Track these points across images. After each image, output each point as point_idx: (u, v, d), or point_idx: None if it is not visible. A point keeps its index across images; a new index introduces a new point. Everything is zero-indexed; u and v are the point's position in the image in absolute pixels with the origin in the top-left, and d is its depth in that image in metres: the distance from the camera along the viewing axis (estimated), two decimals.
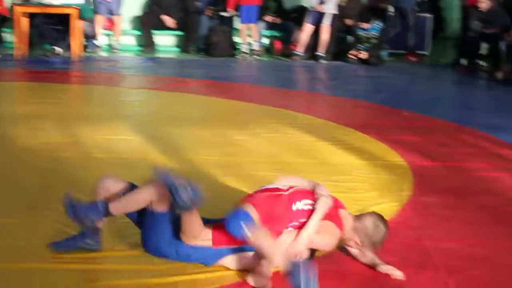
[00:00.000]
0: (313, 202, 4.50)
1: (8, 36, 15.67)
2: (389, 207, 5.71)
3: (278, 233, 4.33)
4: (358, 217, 4.59)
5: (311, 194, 4.57)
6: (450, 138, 8.53)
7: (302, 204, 4.46)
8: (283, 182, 4.69)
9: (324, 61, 15.38)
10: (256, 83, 12.91)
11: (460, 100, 12.23)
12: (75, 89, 11.79)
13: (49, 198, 5.66)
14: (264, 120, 9.06)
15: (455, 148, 7.94)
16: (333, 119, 9.26)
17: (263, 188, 4.61)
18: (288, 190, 4.56)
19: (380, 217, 4.58)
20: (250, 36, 15.99)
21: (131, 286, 4.18)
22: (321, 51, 15.49)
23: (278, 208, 4.38)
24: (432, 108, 10.68)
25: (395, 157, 7.38)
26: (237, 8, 15.88)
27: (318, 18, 15.34)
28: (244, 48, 15.91)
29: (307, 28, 15.50)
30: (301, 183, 4.76)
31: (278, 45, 16.42)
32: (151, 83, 12.22)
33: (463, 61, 15.20)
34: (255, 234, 4.08)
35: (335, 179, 6.47)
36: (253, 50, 15.93)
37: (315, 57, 15.52)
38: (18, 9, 14.15)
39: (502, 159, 7.56)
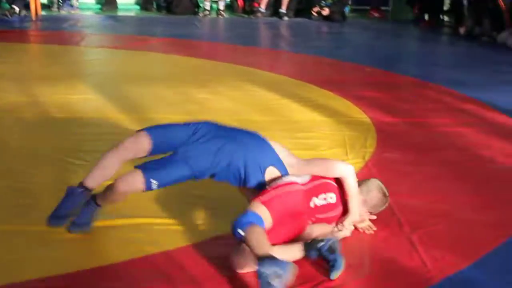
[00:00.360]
0: (331, 196, 4.33)
1: None
2: (352, 164, 5.63)
3: (297, 228, 4.20)
4: (364, 189, 4.49)
5: (329, 186, 4.38)
6: (413, 94, 8.53)
7: (319, 200, 4.29)
8: (299, 173, 4.42)
9: (286, 18, 15.29)
10: (218, 40, 12.82)
11: (423, 55, 12.22)
12: (34, 49, 11.61)
13: (7, 160, 5.58)
14: (227, 78, 8.98)
15: (418, 104, 7.93)
16: (296, 76, 9.20)
17: (279, 183, 4.24)
18: (306, 184, 4.32)
19: (382, 184, 4.55)
20: None
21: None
22: (283, 8, 15.38)
23: (294, 206, 4.19)
24: (394, 64, 10.67)
25: (358, 114, 7.35)
26: None
27: None
28: (207, 5, 15.73)
29: None
30: (316, 170, 4.51)
31: (240, 2, 16.27)
32: (112, 41, 12.04)
33: (425, 17, 15.19)
34: (252, 235, 3.85)
35: (298, 136, 6.43)
36: (219, 9, 15.73)
37: (278, 14, 15.40)
38: None
39: (465, 114, 7.56)
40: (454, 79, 9.35)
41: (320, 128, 6.80)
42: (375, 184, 4.51)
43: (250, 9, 15.85)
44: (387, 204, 4.54)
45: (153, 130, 4.37)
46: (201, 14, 15.64)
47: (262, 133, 6.18)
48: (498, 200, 5.06)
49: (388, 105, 7.74)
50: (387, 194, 4.51)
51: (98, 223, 4.34)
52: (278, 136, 6.40)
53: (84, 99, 7.62)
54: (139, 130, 4.40)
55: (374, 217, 4.50)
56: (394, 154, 6.02)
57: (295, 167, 4.32)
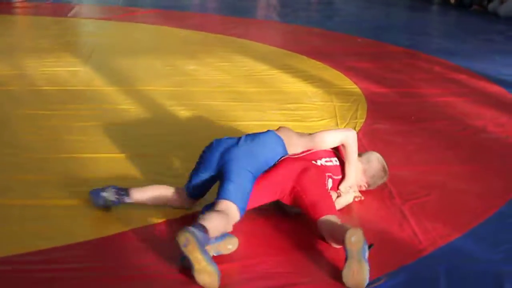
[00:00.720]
0: (332, 159, 4.32)
1: None
2: None
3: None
4: (365, 159, 4.47)
5: (329, 152, 4.36)
6: (404, 64, 8.48)
7: (322, 161, 4.29)
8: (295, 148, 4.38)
9: None
10: (207, 11, 12.72)
11: (414, 25, 12.16)
12: (22, 21, 11.49)
13: None
14: (216, 49, 8.92)
15: (409, 74, 7.89)
16: (286, 47, 9.15)
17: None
18: (305, 152, 4.29)
19: (383, 158, 4.53)
20: None
21: None
22: None
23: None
24: (385, 34, 10.61)
25: (349, 84, 7.31)
26: None
27: None
28: None
29: None
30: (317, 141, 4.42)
31: None
32: (100, 13, 11.96)
33: None
34: None
35: (289, 108, 6.39)
36: None
37: None
38: None
39: (456, 83, 7.53)
40: (445, 48, 9.32)
41: (310, 99, 6.76)
42: (375, 156, 4.52)
43: None
44: (385, 179, 4.52)
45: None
46: None
47: (251, 104, 6.16)
48: (489, 170, 5.03)
49: (379, 76, 7.69)
50: (387, 168, 4.49)
51: (85, 197, 4.30)
52: (267, 107, 6.38)
53: (73, 72, 7.55)
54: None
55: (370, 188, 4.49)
56: (385, 125, 5.98)
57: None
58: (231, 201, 3.85)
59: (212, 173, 4.12)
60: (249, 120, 6.02)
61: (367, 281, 3.43)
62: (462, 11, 12.87)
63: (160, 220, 4.06)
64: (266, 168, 4.12)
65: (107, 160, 5.01)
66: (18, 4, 12.97)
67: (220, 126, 5.85)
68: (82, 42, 9.45)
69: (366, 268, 3.43)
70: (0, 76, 7.26)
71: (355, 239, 3.46)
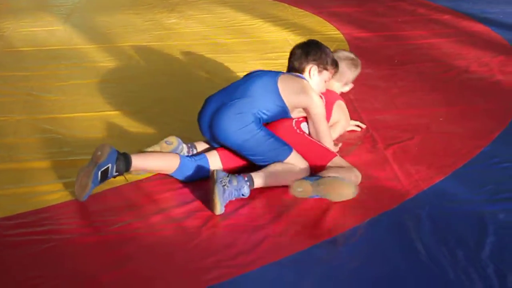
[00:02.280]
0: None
1: None
2: None
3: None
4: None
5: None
6: (387, 7, 8.37)
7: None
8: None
9: None
10: None
11: None
12: None
13: None
14: (196, 2, 8.80)
15: (392, 17, 7.79)
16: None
17: None
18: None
19: (345, 51, 4.63)
20: None
21: None
22: None
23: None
24: None
25: (331, 30, 7.21)
26: None
27: None
28: None
29: None
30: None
31: None
32: None
33: None
34: None
35: (270, 57, 6.31)
36: None
37: None
38: None
39: (440, 24, 7.43)
40: None
41: (292, 47, 6.65)
42: (339, 56, 4.50)
43: None
44: (359, 68, 4.57)
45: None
46: None
47: (233, 54, 6.06)
48: (473, 110, 4.97)
49: (361, 20, 7.60)
50: (355, 56, 4.57)
51: (63, 157, 4.24)
52: (249, 57, 6.31)
53: (51, 31, 7.44)
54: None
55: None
56: (368, 69, 5.89)
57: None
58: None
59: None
60: (230, 71, 5.94)
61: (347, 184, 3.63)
62: None
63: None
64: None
65: (86, 119, 4.93)
66: None
67: (200, 79, 5.77)
68: (59, 1, 9.29)
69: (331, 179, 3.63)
70: None
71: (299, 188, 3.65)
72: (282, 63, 6.07)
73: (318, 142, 4.05)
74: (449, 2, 8.31)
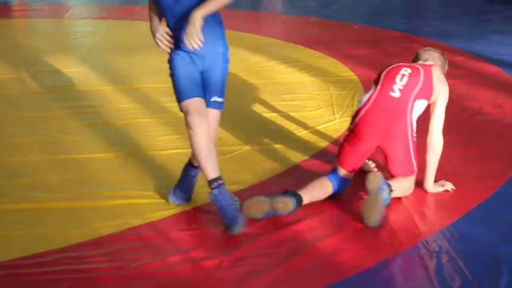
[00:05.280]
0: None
1: None
2: (340, 123, 5.65)
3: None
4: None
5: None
6: (400, 48, 8.45)
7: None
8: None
9: None
10: None
11: (410, 9, 12.13)
12: (19, 24, 11.49)
13: None
14: None
15: (405, 58, 7.74)
16: (283, 37, 9.13)
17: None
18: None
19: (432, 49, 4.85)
20: None
21: None
22: None
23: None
24: (382, 19, 10.57)
25: (346, 72, 7.29)
26: None
27: None
28: None
29: None
30: None
31: None
32: (96, 12, 11.95)
33: None
34: None
35: (285, 98, 6.38)
36: None
37: None
38: None
39: (453, 66, 7.45)
40: (442, 31, 9.29)
41: (307, 88, 6.74)
42: (433, 54, 4.81)
43: None
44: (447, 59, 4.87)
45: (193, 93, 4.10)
46: None
47: (250, 96, 6.12)
48: (487, 151, 5.02)
49: (376, 62, 7.66)
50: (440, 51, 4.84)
51: (82, 198, 4.31)
52: (265, 98, 6.38)
53: (70, 72, 7.55)
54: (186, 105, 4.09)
55: None
56: None
57: None
58: None
59: None
60: (245, 112, 6.01)
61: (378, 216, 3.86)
62: None
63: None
64: None
65: (104, 159, 5.01)
66: (15, 7, 12.97)
67: None
68: (79, 42, 9.43)
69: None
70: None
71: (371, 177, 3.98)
72: (298, 105, 6.17)
73: (413, 153, 4.29)
74: (461, 44, 8.39)
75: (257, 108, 6.15)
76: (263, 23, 10.86)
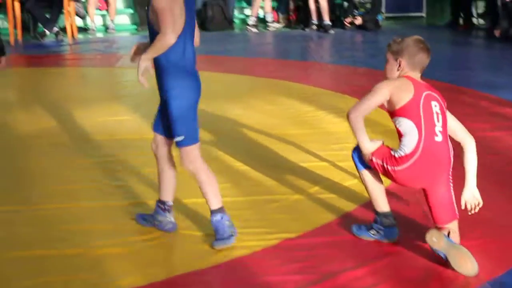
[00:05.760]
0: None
1: (1, 23, 15.59)
2: None
3: None
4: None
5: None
6: (448, 99, 8.35)
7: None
8: None
9: (332, 31, 14.80)
10: (253, 55, 12.83)
11: (458, 60, 12.14)
12: (71, 72, 11.71)
13: (49, 183, 5.68)
14: (261, 92, 9.02)
15: (453, 109, 7.70)
16: (331, 88, 9.21)
17: None
18: None
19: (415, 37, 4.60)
20: (262, 8, 15.70)
21: None
22: (326, 20, 14.91)
23: None
24: (429, 70, 10.53)
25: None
26: None
27: None
28: (252, 20, 15.53)
29: None
30: None
31: (274, 15, 16.24)
32: None
33: (460, 21, 15.09)
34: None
35: (335, 148, 6.45)
36: (267, 22, 15.59)
37: (322, 27, 15.05)
38: None
39: (502, 118, 7.51)
40: (490, 82, 9.29)
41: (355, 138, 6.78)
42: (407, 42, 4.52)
43: (285, 22, 15.78)
44: (428, 54, 4.56)
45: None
46: (251, 28, 15.40)
47: (298, 145, 6.21)
48: None
49: None
50: (421, 39, 4.56)
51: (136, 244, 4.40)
52: (313, 148, 6.45)
53: (121, 121, 7.70)
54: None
55: None
56: None
57: None
58: None
59: None
60: (294, 161, 6.09)
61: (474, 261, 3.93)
62: (506, 44, 12.80)
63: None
64: None
65: None
66: (67, 56, 13.23)
67: (265, 170, 5.93)
68: (130, 91, 9.59)
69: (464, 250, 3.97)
70: (50, 128, 7.44)
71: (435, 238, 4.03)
72: (346, 154, 6.18)
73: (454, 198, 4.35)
74: (509, 95, 8.39)
75: (306, 157, 6.23)
76: (311, 72, 10.93)
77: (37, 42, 14.11)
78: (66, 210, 5.11)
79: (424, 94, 4.41)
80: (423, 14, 16.68)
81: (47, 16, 14.49)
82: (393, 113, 4.48)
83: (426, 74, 9.41)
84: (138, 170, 5.95)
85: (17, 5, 14.17)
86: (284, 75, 10.12)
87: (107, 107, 8.28)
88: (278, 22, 15.92)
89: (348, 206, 5.13)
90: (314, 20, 15.14)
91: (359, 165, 4.58)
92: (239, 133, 7.10)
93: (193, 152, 4.51)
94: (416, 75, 4.51)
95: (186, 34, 4.38)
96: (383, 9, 16.14)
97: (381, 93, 4.44)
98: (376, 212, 4.51)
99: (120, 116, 7.88)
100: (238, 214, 5.00)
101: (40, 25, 14.64)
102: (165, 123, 4.60)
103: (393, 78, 4.50)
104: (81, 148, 6.69)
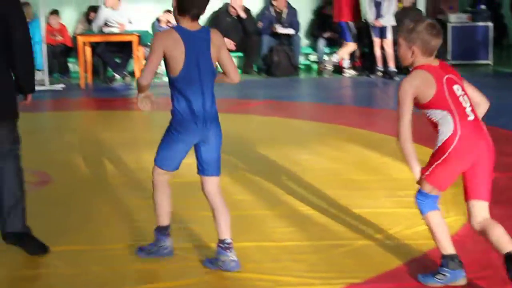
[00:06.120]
0: None
1: (73, 66, 15.99)
2: (454, 221, 5.68)
3: None
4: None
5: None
6: None
7: None
8: None
9: (397, 78, 14.58)
10: (318, 101, 12.92)
11: None
12: (138, 115, 11.92)
13: (116, 224, 5.79)
14: (327, 138, 9.08)
15: None
16: (395, 134, 9.19)
17: None
18: None
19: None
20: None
21: None
22: (391, 66, 14.99)
23: None
24: (496, 118, 10.51)
25: None
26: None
27: (380, 32, 14.99)
28: (329, 64, 15.68)
29: (377, 43, 15.08)
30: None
31: (340, 61, 16.31)
32: None
33: None
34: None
35: (400, 195, 6.45)
36: (343, 68, 15.82)
37: (388, 73, 15.02)
38: (81, 39, 14.45)
39: None
40: None
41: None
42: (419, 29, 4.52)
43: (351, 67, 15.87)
44: (439, 37, 4.55)
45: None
46: (346, 74, 15.53)
47: (363, 191, 6.23)
48: None
49: None
50: (433, 23, 4.56)
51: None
52: (379, 194, 6.47)
53: (188, 163, 7.78)
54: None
55: None
56: (497, 210, 5.90)
57: None
58: None
59: None
60: (360, 207, 6.12)
61: None
62: None
63: None
64: None
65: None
66: (134, 100, 13.45)
67: (332, 214, 5.97)
68: None
69: None
70: (117, 169, 7.61)
71: None
72: (412, 201, 6.17)
73: None
74: None
75: (372, 202, 6.25)
76: (377, 119, 10.97)
77: (106, 86, 14.42)
78: (134, 249, 5.20)
79: (444, 81, 4.52)
80: (490, 62, 16.60)
81: (117, 60, 14.82)
82: (422, 107, 4.58)
83: (495, 123, 9.39)
84: (203, 213, 6.02)
85: (88, 50, 14.54)
86: (349, 121, 10.17)
87: None
88: (343, 68, 15.99)
89: (414, 253, 5.13)
90: (380, 66, 15.17)
91: (423, 209, 4.65)
92: (306, 178, 7.14)
93: (155, 170, 5.11)
94: (430, 60, 4.57)
95: (191, 81, 4.74)
96: (448, 56, 16.12)
97: (408, 101, 4.53)
98: (442, 256, 4.52)
99: (186, 159, 7.97)
100: (304, 258, 5.05)
101: (110, 69, 14.98)
102: (198, 162, 5.08)
103: (412, 72, 4.57)
104: (147, 189, 6.79)
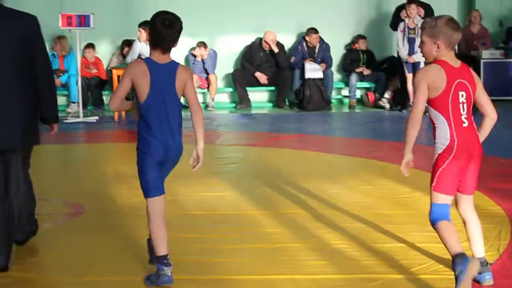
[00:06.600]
0: None
1: (106, 99, 16.14)
2: (486, 256, 5.65)
3: None
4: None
5: None
6: None
7: None
8: None
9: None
10: (350, 135, 12.94)
11: None
12: None
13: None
14: (359, 172, 9.10)
15: None
16: (427, 169, 9.18)
17: None
18: None
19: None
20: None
21: None
22: None
23: None
24: None
25: (492, 206, 7.30)
26: None
27: (413, 67, 15.01)
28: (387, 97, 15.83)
29: (410, 78, 14.97)
30: None
31: (371, 96, 16.38)
32: (245, 139, 12.38)
33: None
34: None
35: (430, 229, 6.39)
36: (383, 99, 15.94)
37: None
38: (115, 72, 14.61)
39: None
40: None
41: (453, 221, 6.77)
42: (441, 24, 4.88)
43: (379, 102, 15.89)
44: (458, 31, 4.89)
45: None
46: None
47: (394, 226, 6.24)
48: None
49: None
50: (452, 18, 4.93)
51: None
52: (410, 229, 6.48)
53: (220, 196, 7.87)
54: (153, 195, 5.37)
55: None
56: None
57: None
58: None
59: None
60: (392, 241, 6.13)
61: None
62: None
63: None
64: None
65: (255, 282, 5.21)
66: None
67: (363, 248, 5.98)
68: (229, 167, 9.80)
69: None
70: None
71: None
72: None
73: None
74: None
75: (403, 237, 6.25)
76: None
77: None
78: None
79: (455, 84, 4.85)
80: None
81: None
82: (429, 101, 4.93)
83: None
84: (235, 245, 6.07)
85: None
86: (380, 156, 10.18)
87: (206, 183, 8.45)
88: (374, 102, 16.04)
89: (445, 287, 5.13)
90: (412, 101, 15.15)
91: (434, 221, 5.07)
92: (337, 211, 7.16)
93: (150, 204, 5.36)
94: (451, 53, 4.92)
95: (155, 109, 5.16)
96: None
97: (422, 89, 4.86)
98: (452, 257, 4.82)
99: (219, 192, 8.05)
100: None
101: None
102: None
103: (429, 62, 4.93)
104: (181, 222, 6.85)
